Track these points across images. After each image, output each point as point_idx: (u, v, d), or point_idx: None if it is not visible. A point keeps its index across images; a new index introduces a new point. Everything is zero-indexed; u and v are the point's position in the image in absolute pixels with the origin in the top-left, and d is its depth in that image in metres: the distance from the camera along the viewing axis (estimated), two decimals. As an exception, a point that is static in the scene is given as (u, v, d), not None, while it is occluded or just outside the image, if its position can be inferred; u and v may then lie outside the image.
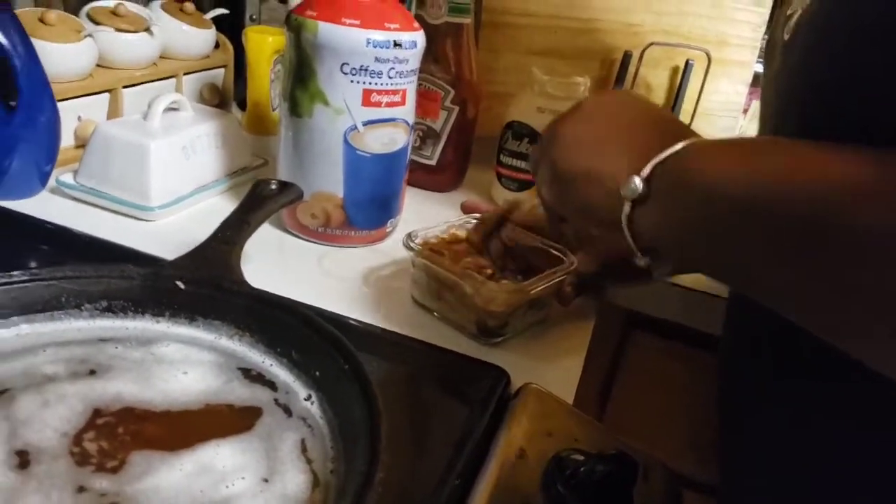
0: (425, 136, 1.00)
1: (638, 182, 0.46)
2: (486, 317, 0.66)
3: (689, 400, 0.87)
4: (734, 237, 0.42)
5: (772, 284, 0.41)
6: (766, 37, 1.19)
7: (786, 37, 0.52)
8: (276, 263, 0.77)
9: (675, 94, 1.20)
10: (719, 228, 0.43)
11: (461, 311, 0.68)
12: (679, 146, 0.46)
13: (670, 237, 0.47)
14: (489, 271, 0.69)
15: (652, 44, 1.13)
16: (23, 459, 0.41)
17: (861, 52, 0.43)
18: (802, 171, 0.39)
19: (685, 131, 0.49)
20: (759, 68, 1.24)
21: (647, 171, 0.46)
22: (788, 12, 0.53)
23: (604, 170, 0.50)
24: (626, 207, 0.47)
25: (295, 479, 0.43)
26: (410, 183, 0.89)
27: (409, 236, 0.70)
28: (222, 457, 0.44)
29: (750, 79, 1.26)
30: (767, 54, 0.61)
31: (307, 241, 0.82)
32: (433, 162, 1.01)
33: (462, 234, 0.75)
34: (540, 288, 0.66)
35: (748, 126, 1.35)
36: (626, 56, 1.15)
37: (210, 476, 0.42)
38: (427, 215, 0.77)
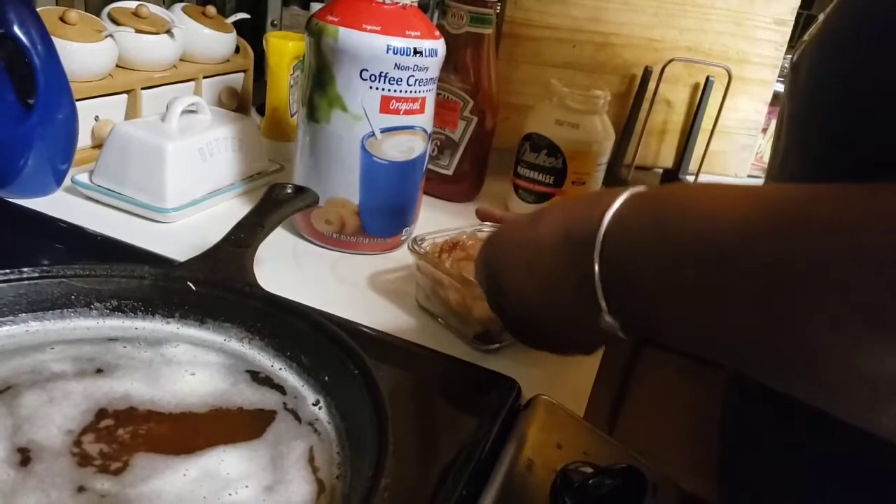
0: (443, 145, 0.99)
1: (609, 319, 0.43)
2: (481, 321, 0.65)
3: (701, 418, 0.86)
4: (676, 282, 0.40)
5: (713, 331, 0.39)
6: (787, 56, 1.19)
7: (795, 58, 0.52)
8: (288, 268, 0.77)
9: (695, 111, 1.19)
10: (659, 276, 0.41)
11: (459, 315, 0.67)
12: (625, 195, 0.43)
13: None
14: None
15: (673, 60, 1.12)
16: (24, 457, 0.40)
17: (859, 73, 0.43)
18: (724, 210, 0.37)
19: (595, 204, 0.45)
20: (780, 87, 1.24)
21: (604, 306, 0.43)
22: (805, 38, 0.53)
23: (568, 334, 0.49)
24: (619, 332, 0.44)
25: (300, 489, 0.42)
26: (426, 192, 0.89)
27: (415, 240, 0.70)
28: (227, 463, 0.43)
29: (770, 98, 1.25)
30: (786, 78, 0.61)
31: (321, 246, 0.82)
32: (450, 172, 1.01)
33: (470, 241, 0.74)
34: None
35: (767, 146, 1.34)
36: (647, 71, 1.15)
37: (213, 482, 0.41)
38: (442, 225, 0.76)
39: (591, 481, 0.48)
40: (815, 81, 0.48)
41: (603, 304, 0.43)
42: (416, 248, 0.69)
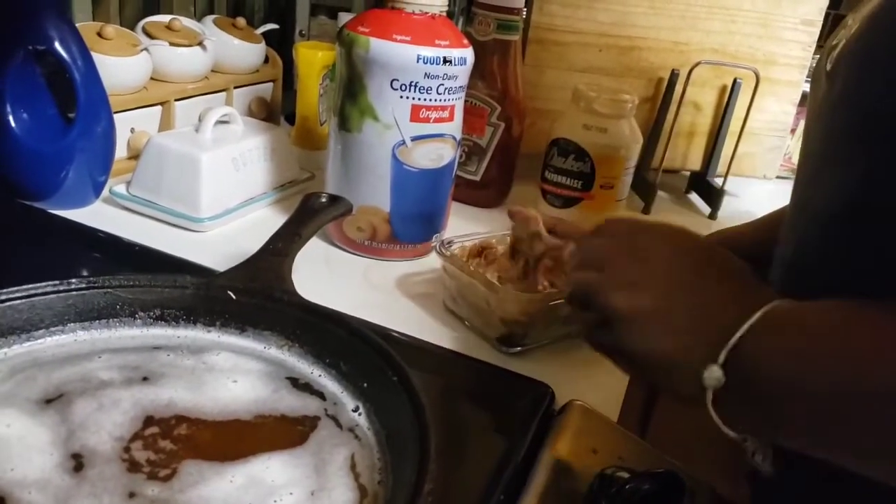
0: (471, 151, 1.00)
1: (718, 372, 0.44)
2: (503, 324, 0.66)
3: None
4: (824, 428, 0.42)
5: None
6: (815, 58, 1.18)
7: (829, 67, 0.52)
8: (321, 275, 0.78)
9: (722, 114, 1.19)
10: (805, 423, 0.43)
11: (483, 317, 0.68)
12: (748, 325, 0.43)
13: (755, 423, 0.46)
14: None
15: (700, 62, 1.12)
16: (77, 462, 0.42)
17: None
18: (870, 358, 0.39)
19: (747, 288, 0.47)
20: (808, 88, 1.23)
21: (722, 357, 0.44)
22: (834, 42, 0.53)
23: (679, 356, 0.47)
24: (710, 395, 0.45)
25: (343, 496, 0.43)
26: (455, 198, 0.89)
27: (443, 243, 0.71)
28: (272, 470, 0.44)
29: (798, 99, 1.25)
30: (812, 84, 0.60)
31: (353, 254, 0.83)
32: (477, 178, 1.01)
33: (499, 246, 0.74)
34: (560, 300, 0.65)
35: (795, 147, 1.33)
36: (674, 74, 1.15)
37: (259, 489, 0.42)
38: (469, 230, 0.77)
39: (628, 486, 0.48)
40: (857, 94, 0.48)
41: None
42: (442, 250, 0.70)
